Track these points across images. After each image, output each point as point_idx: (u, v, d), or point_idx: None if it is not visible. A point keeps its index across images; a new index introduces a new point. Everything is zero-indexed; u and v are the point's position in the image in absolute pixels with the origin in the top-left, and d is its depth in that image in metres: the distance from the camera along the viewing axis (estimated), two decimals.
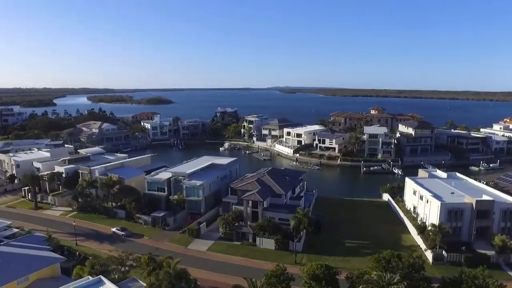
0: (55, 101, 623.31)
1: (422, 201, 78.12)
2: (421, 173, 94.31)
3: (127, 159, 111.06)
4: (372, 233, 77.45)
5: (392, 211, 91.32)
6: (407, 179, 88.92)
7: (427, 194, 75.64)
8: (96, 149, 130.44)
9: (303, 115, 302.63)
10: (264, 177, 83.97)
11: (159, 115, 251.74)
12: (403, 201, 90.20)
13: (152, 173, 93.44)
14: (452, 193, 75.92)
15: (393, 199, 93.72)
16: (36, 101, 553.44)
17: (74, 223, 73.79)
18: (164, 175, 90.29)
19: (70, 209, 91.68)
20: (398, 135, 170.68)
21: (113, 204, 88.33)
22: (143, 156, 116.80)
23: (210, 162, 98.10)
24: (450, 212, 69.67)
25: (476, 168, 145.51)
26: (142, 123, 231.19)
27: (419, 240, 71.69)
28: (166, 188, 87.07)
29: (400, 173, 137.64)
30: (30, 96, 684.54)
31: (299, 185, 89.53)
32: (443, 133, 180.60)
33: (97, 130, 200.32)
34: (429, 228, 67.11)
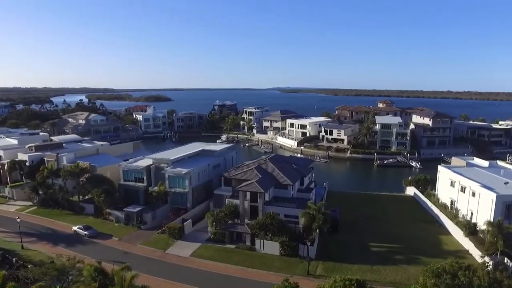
0: (52, 99, 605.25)
1: (465, 194, 61.93)
2: (456, 161, 78.17)
3: (105, 146, 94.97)
4: (401, 234, 61.22)
5: (421, 207, 75.10)
6: (441, 168, 72.68)
7: (473, 185, 59.45)
8: (73, 136, 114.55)
9: (305, 111, 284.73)
10: (266, 164, 67.77)
11: (152, 107, 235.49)
12: (435, 195, 73.96)
13: (130, 160, 77.34)
14: (506, 183, 59.63)
15: (422, 193, 77.51)
16: (32, 98, 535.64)
17: (18, 220, 57.37)
18: (144, 162, 74.13)
19: (30, 203, 75.48)
20: (412, 126, 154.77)
21: (80, 197, 72.30)
22: (125, 143, 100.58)
23: (200, 149, 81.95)
24: (509, 207, 53.52)
25: (502, 162, 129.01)
26: (133, 115, 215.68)
27: (467, 244, 55.27)
28: (145, 178, 70.88)
29: (418, 166, 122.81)
30: (29, 94, 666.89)
31: (308, 175, 73.23)
32: (463, 124, 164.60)
33: (83, 121, 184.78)
34: (484, 227, 50.77)
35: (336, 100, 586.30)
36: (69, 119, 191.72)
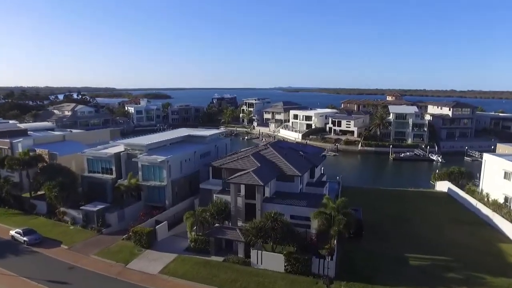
0: (51, 97, 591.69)
1: None
2: (503, 148, 63.33)
3: (75, 133, 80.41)
4: (444, 240, 46.33)
5: (461, 205, 60.02)
6: (488, 157, 57.58)
7: None
8: (44, 123, 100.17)
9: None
10: (266, 150, 53.00)
11: (145, 99, 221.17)
12: (480, 190, 58.98)
13: (98, 146, 62.65)
14: None
15: (462, 188, 62.54)
16: (29, 96, 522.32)
17: None
18: (113, 149, 59.44)
19: None
20: (428, 117, 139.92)
21: (32, 193, 57.67)
22: (99, 129, 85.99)
23: (186, 134, 67.21)
24: None
25: None
26: (125, 107, 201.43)
27: None
28: (113, 168, 56.22)
29: (440, 160, 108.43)
30: (28, 94, 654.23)
31: (319, 165, 58.32)
32: (485, 115, 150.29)
33: (70, 113, 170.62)
34: None
35: (339, 99, 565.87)
36: (54, 111, 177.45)
